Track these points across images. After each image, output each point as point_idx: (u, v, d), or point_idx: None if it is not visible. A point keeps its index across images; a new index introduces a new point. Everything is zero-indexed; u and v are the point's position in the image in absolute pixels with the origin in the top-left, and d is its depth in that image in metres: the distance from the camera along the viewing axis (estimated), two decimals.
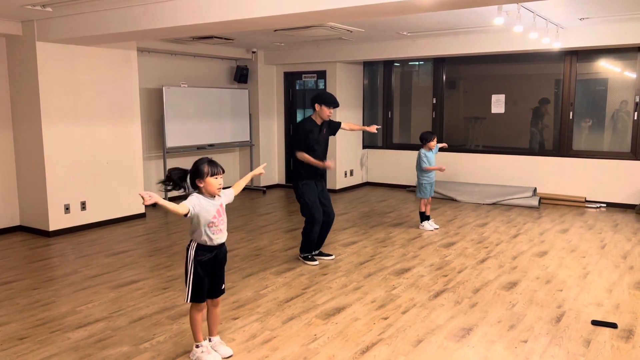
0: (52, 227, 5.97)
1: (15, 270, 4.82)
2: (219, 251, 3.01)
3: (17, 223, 6.25)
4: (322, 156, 4.94)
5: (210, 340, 3.14)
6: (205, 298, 3.00)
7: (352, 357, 3.11)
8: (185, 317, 3.69)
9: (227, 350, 3.14)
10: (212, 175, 2.87)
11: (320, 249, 5.10)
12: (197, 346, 3.02)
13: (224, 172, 2.94)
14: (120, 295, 4.14)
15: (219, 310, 3.16)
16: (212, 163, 2.89)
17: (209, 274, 2.98)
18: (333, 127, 5.12)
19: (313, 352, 3.16)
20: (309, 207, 4.85)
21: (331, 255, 5.10)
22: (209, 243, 2.94)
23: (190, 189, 2.95)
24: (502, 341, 3.30)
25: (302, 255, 4.98)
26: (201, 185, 2.88)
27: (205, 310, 3.07)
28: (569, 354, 3.13)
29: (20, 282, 4.47)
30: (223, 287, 3.10)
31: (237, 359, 3.09)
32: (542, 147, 8.08)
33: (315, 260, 4.92)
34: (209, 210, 2.90)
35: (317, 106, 4.82)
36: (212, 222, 2.92)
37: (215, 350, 3.10)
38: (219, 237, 2.97)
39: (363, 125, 5.16)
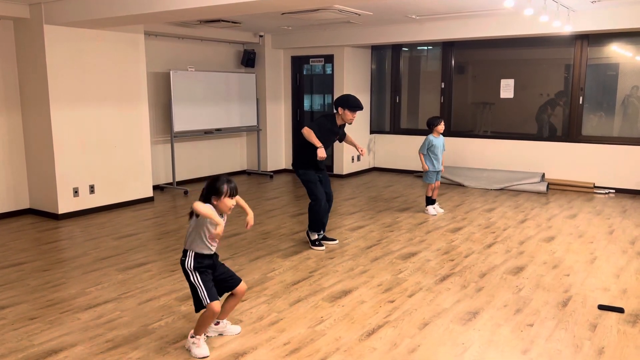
0: (61, 210, 6.02)
1: (26, 252, 4.87)
2: (215, 257, 3.04)
3: (26, 206, 6.31)
4: (328, 150, 4.97)
5: (218, 323, 3.17)
6: (219, 296, 2.98)
7: (358, 339, 3.13)
8: None
9: (236, 328, 3.21)
10: (229, 196, 2.90)
11: (324, 234, 5.11)
12: (193, 336, 3.00)
13: (237, 192, 2.97)
14: (128, 277, 4.18)
15: (238, 302, 3.16)
16: (230, 183, 2.91)
17: (212, 277, 3.00)
18: (343, 132, 5.10)
19: (319, 334, 3.19)
20: (311, 187, 4.88)
21: (335, 240, 5.11)
22: (207, 252, 2.96)
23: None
24: (508, 325, 3.31)
25: (311, 240, 4.98)
26: (215, 203, 2.89)
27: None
28: (575, 337, 3.14)
29: (30, 264, 4.53)
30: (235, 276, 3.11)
31: (245, 340, 3.12)
32: (551, 132, 8.02)
33: (322, 245, 4.94)
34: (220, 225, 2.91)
35: (340, 110, 4.81)
36: (213, 240, 2.95)
37: (221, 333, 3.15)
38: (215, 246, 3.02)
39: (358, 146, 5.15)
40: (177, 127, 7.62)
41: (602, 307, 3.55)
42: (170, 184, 7.91)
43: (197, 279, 2.94)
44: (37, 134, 6.02)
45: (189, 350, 2.98)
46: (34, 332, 3.25)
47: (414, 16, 7.03)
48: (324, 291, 3.88)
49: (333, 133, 4.94)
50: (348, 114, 4.79)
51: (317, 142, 4.73)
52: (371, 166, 9.57)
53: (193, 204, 2.81)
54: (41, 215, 6.19)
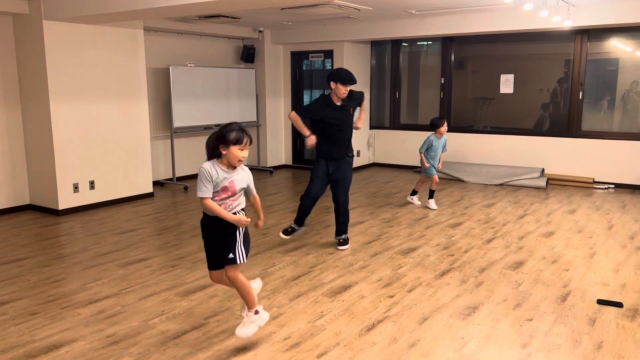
0: (62, 206, 6.03)
1: (26, 247, 4.88)
2: (216, 219, 2.84)
3: (27, 202, 6.31)
4: (342, 134, 4.65)
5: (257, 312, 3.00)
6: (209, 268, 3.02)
7: (358, 333, 3.14)
8: (194, 294, 3.74)
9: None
10: (237, 143, 2.67)
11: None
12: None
13: (251, 143, 2.75)
14: (129, 273, 4.19)
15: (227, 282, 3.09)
16: (241, 131, 2.69)
17: (209, 238, 2.96)
18: (356, 98, 4.72)
19: (319, 329, 3.20)
20: (310, 179, 4.76)
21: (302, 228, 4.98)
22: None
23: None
24: (508, 319, 3.32)
25: (290, 225, 4.89)
26: (224, 152, 2.69)
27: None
28: (574, 332, 3.15)
29: (31, 260, 4.54)
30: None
31: None
32: (552, 127, 8.02)
33: (290, 234, 4.84)
34: (223, 181, 2.74)
35: (332, 84, 4.53)
36: (219, 195, 2.76)
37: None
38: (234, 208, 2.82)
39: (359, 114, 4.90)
40: (177, 122, 7.62)
41: (601, 302, 3.56)
42: (170, 179, 7.91)
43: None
44: (37, 129, 6.02)
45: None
46: (35, 327, 3.26)
47: (413, 11, 7.01)
48: (324, 286, 3.89)
49: (336, 113, 4.57)
50: (340, 87, 4.48)
51: (304, 130, 4.55)
52: (371, 161, 9.57)
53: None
54: (41, 211, 6.19)
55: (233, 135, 2.67)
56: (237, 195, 2.82)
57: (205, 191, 2.71)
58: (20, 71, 6.04)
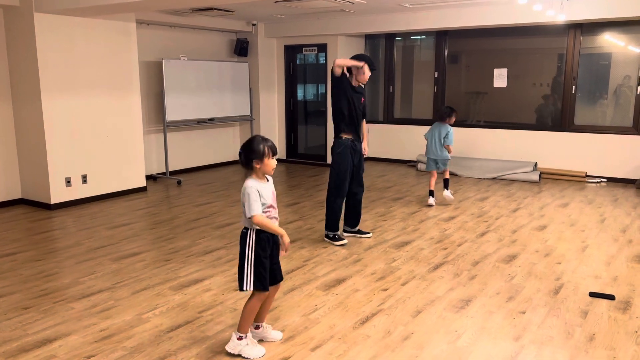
0: (54, 200, 5.99)
1: (19, 242, 4.85)
2: (276, 236, 2.84)
3: (18, 196, 6.27)
4: (356, 123, 4.68)
5: (259, 327, 2.95)
6: (269, 285, 2.81)
7: (352, 326, 3.15)
8: (187, 287, 3.73)
9: (278, 334, 3.01)
10: (271, 155, 2.77)
11: (358, 227, 4.95)
12: (241, 338, 2.79)
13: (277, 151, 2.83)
14: (122, 267, 4.18)
15: (272, 301, 3.00)
16: (267, 142, 2.76)
17: (270, 256, 2.82)
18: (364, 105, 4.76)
19: (314, 322, 3.21)
20: (338, 176, 4.66)
21: (369, 233, 4.96)
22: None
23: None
24: (501, 312, 3.34)
25: (330, 235, 4.72)
26: (258, 166, 2.75)
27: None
28: (566, 324, 3.18)
29: (23, 254, 4.51)
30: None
31: None
32: (544, 121, 8.04)
33: (343, 239, 4.72)
34: (267, 194, 2.79)
35: (354, 69, 4.53)
36: (269, 208, 2.79)
37: (262, 339, 2.95)
38: (275, 223, 2.83)
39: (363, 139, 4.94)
40: (170, 116, 7.58)
41: (593, 295, 3.59)
42: (163, 173, 7.88)
43: (251, 258, 2.76)
44: (29, 123, 5.97)
45: (239, 356, 2.78)
46: (27, 321, 3.25)
47: (407, 5, 7.00)
48: (318, 280, 3.89)
49: (355, 95, 4.57)
50: (366, 71, 4.49)
51: (357, 62, 4.43)
52: (364, 155, 9.55)
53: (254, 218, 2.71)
54: (33, 206, 6.15)
55: (264, 149, 2.75)
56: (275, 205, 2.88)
57: (258, 208, 2.75)
58: (11, 64, 5.98)
